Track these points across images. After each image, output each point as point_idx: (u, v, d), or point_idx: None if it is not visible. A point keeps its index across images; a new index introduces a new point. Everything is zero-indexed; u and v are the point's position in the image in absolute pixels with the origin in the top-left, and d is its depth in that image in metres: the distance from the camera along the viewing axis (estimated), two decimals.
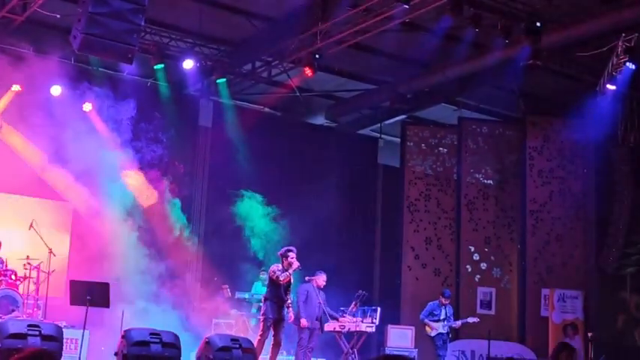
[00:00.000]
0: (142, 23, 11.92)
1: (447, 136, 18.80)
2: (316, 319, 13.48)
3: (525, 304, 17.44)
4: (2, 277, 13.28)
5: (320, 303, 13.48)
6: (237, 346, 10.88)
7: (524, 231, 17.75)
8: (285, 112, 18.66)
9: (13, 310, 12.80)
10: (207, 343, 10.79)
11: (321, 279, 13.73)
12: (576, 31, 13.71)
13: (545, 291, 17.19)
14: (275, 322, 11.88)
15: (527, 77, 15.28)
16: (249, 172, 16.54)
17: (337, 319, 13.79)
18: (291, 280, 12.06)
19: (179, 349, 10.75)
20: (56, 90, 15.16)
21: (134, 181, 15.62)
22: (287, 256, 11.98)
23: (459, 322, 14.98)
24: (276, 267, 12.02)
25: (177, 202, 16.00)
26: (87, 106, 15.50)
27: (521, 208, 17.91)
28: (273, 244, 16.27)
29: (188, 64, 15.48)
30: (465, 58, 15.05)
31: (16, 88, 14.98)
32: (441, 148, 18.77)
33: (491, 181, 18.44)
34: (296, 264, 11.90)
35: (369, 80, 17.55)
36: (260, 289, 15.42)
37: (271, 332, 11.85)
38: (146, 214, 15.68)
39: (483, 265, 17.96)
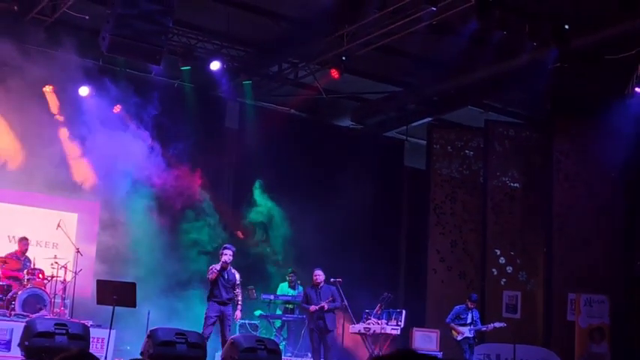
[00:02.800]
0: (170, 25, 12.02)
1: (473, 138, 18.74)
2: (318, 319, 13.36)
3: (551, 308, 17.31)
4: (30, 277, 13.40)
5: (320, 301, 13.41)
6: (262, 347, 10.92)
7: (551, 234, 17.60)
8: (311, 114, 18.67)
9: (40, 309, 12.90)
10: (233, 343, 10.83)
11: (314, 276, 13.67)
12: (605, 34, 13.61)
13: (571, 295, 17.03)
14: (218, 320, 12.20)
15: (554, 80, 15.19)
16: (274, 174, 16.56)
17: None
18: (235, 278, 12.36)
19: (204, 349, 10.81)
20: (84, 90, 15.30)
21: (161, 181, 15.70)
22: (222, 254, 12.37)
23: (490, 326, 14.87)
24: (214, 265, 12.41)
25: (209, 202, 16.04)
26: (116, 108, 15.62)
27: (548, 211, 17.79)
28: (298, 247, 16.32)
29: (215, 65, 15.52)
30: (492, 60, 14.98)
31: (48, 88, 15.14)
32: (467, 151, 18.71)
33: (517, 185, 18.34)
34: (222, 259, 12.25)
35: (396, 82, 17.52)
36: (286, 290, 15.45)
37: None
38: (175, 214, 15.75)
39: (509, 269, 17.86)
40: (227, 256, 12.28)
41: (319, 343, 13.37)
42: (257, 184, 16.63)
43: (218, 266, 12.26)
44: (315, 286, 13.62)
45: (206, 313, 12.24)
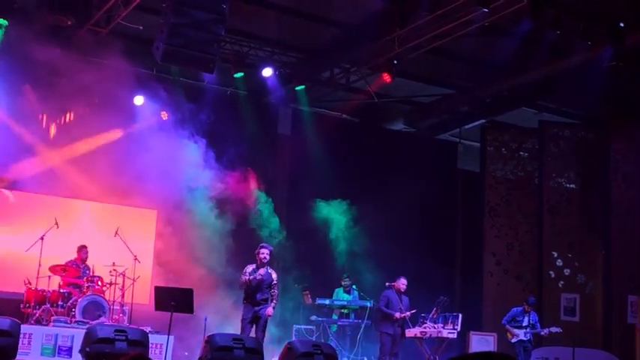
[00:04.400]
0: (223, 33, 12.12)
1: (527, 140, 18.57)
2: (398, 326, 13.49)
3: (611, 310, 17.06)
4: (89, 284, 13.60)
5: (401, 309, 13.52)
6: (319, 352, 10.93)
7: (609, 236, 17.35)
8: (363, 118, 18.66)
9: (100, 316, 13.08)
10: (290, 349, 10.86)
11: (399, 283, 13.79)
12: None
13: (631, 297, 16.78)
14: (251, 321, 12.10)
15: (610, 79, 14.96)
16: (328, 179, 16.58)
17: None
18: (271, 278, 12.26)
19: (262, 354, 10.86)
20: (139, 100, 15.55)
21: (216, 187, 15.85)
22: (258, 253, 12.25)
23: (546, 331, 14.71)
24: (248, 267, 12.27)
25: (267, 206, 16.12)
26: (164, 115, 15.85)
27: (606, 212, 17.53)
28: (353, 251, 16.31)
29: (267, 72, 15.63)
30: (546, 60, 14.83)
31: (98, 99, 15.38)
32: (521, 153, 18.54)
33: (573, 186, 18.11)
34: (260, 258, 12.16)
35: (448, 85, 17.43)
36: (342, 295, 15.45)
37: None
38: (232, 219, 15.85)
39: (567, 271, 17.64)
40: (264, 254, 12.21)
41: (391, 348, 13.45)
42: (311, 189, 16.64)
43: (251, 268, 12.16)
44: (398, 292, 13.72)
45: (242, 316, 12.24)
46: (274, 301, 12.38)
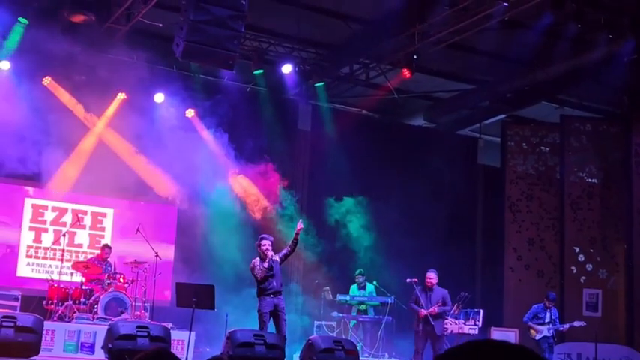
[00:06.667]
0: (242, 30, 12.12)
1: (548, 134, 18.45)
2: (427, 324, 13.28)
3: (633, 305, 16.95)
4: (111, 280, 13.67)
5: (423, 305, 13.37)
6: (340, 347, 10.96)
7: (631, 230, 17.24)
8: (383, 114, 18.64)
9: (122, 312, 13.15)
10: (311, 344, 10.89)
11: (426, 278, 13.58)
12: None
13: None
14: (271, 314, 11.66)
15: (631, 72, 14.86)
16: (348, 175, 16.58)
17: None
18: (278, 261, 11.84)
19: (283, 350, 10.90)
20: (159, 97, 15.62)
21: (239, 184, 15.89)
22: (260, 245, 11.83)
23: (566, 326, 14.65)
24: (254, 261, 11.86)
25: (289, 202, 16.10)
26: (189, 112, 15.97)
27: (628, 207, 17.42)
28: (373, 247, 16.29)
29: (287, 68, 15.65)
30: (567, 54, 14.73)
31: (121, 96, 15.50)
32: (542, 147, 18.43)
33: (595, 180, 18.00)
34: (270, 253, 11.71)
35: (468, 80, 17.37)
36: (356, 292, 15.34)
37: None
38: (254, 215, 15.88)
39: (589, 266, 17.54)
40: (265, 246, 11.73)
41: (424, 347, 13.28)
42: (332, 185, 16.64)
43: (258, 261, 11.75)
44: (427, 287, 13.56)
45: (259, 310, 11.66)
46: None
